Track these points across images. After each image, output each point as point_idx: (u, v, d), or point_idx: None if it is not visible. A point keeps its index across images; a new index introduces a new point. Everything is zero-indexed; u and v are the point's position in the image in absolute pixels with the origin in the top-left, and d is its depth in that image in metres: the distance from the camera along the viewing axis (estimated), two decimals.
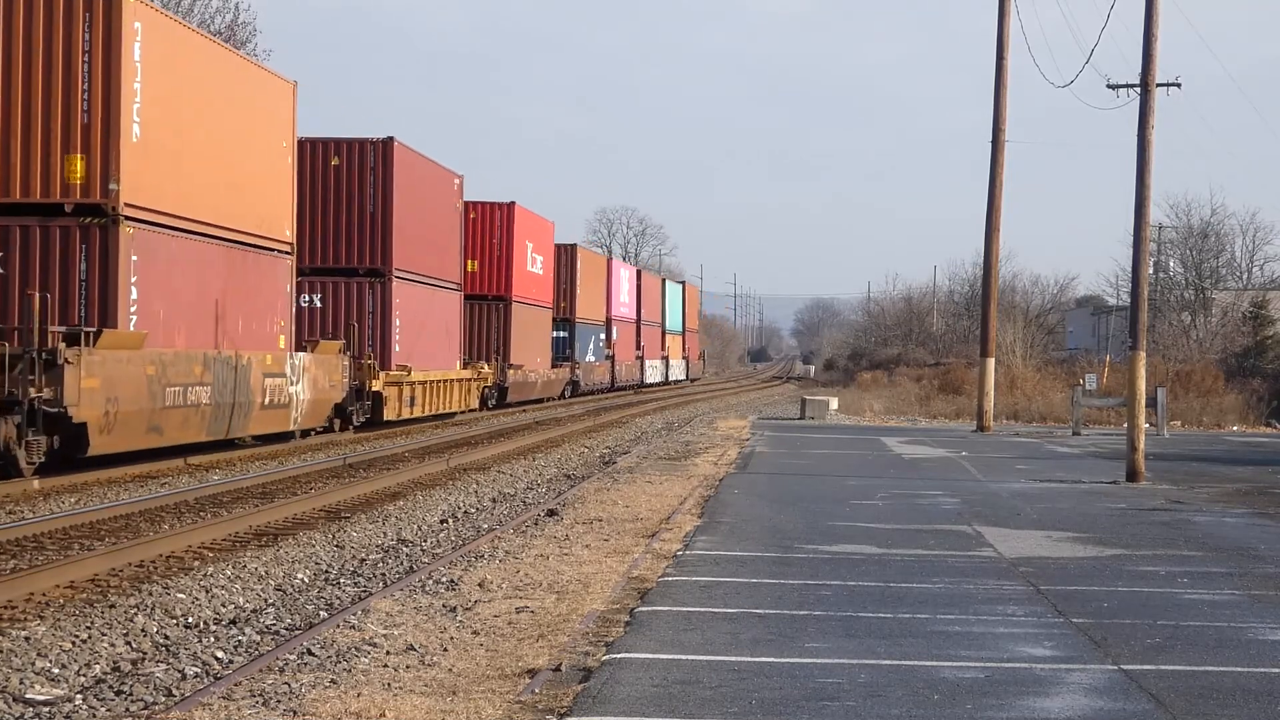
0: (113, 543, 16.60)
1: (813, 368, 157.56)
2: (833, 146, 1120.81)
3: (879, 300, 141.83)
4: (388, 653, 10.94)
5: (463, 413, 46.35)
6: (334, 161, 37.76)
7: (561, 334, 63.92)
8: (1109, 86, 34.43)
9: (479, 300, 51.23)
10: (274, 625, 12.49)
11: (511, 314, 52.29)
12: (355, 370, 35.61)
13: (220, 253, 27.90)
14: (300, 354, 31.89)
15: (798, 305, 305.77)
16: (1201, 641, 11.58)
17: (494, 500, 22.94)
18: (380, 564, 16.18)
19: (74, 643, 11.24)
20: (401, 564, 16.20)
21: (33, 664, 10.54)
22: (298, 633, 12.04)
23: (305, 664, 10.53)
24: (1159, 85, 27.72)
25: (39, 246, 23.87)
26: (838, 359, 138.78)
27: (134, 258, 24.38)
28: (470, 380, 46.38)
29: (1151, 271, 76.09)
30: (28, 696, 9.75)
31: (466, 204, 48.63)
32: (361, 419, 36.79)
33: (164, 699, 9.80)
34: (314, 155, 37.49)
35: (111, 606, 12.67)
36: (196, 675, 10.53)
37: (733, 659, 10.54)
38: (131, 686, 10.10)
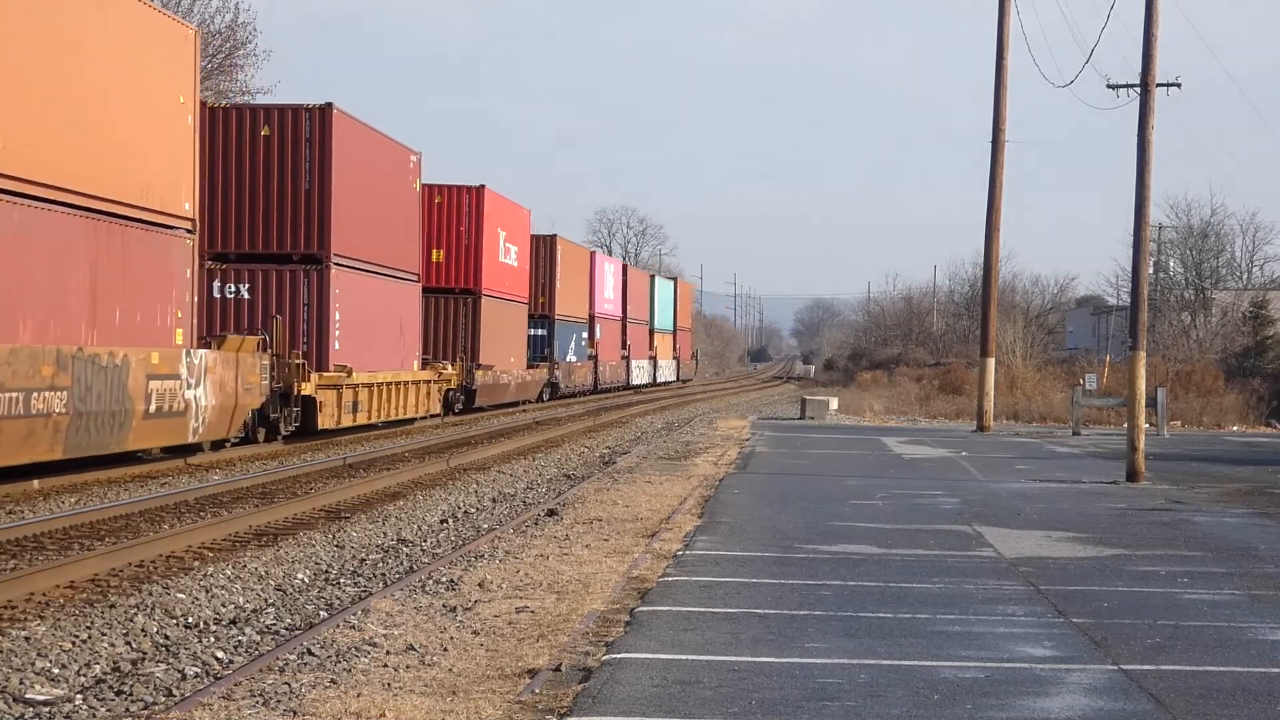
0: (113, 543, 16.60)
1: (813, 368, 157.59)
2: (833, 146, 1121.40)
3: (879, 300, 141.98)
4: (388, 653, 10.94)
5: (423, 418, 42.06)
6: (264, 131, 33.20)
7: (539, 332, 59.86)
8: (1109, 86, 34.45)
9: (445, 294, 47.13)
10: (274, 625, 12.49)
11: (481, 309, 47.91)
12: (279, 371, 30.92)
13: (85, 227, 22.79)
14: (203, 352, 26.72)
15: (798, 305, 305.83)
16: (1202, 641, 11.59)
17: (494, 500, 22.94)
18: (380, 564, 16.18)
19: (74, 643, 11.24)
20: (401, 564, 16.20)
21: (33, 664, 10.54)
22: (298, 633, 12.04)
23: (305, 664, 10.54)
24: (1159, 85, 27.73)
25: None
26: (838, 359, 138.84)
27: None
28: (430, 382, 41.78)
29: (1151, 271, 76.12)
30: (28, 696, 9.74)
31: (431, 187, 45.39)
32: (290, 428, 32.04)
33: (164, 699, 9.80)
34: (241, 125, 33.24)
35: (111, 606, 12.67)
36: (196, 675, 10.53)
37: (733, 659, 10.54)
38: (131, 686, 10.10)
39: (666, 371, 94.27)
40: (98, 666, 10.74)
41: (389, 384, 37.55)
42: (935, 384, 70.02)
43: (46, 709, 9.52)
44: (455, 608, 12.74)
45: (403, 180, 39.51)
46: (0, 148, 20.32)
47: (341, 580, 14.98)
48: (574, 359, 65.32)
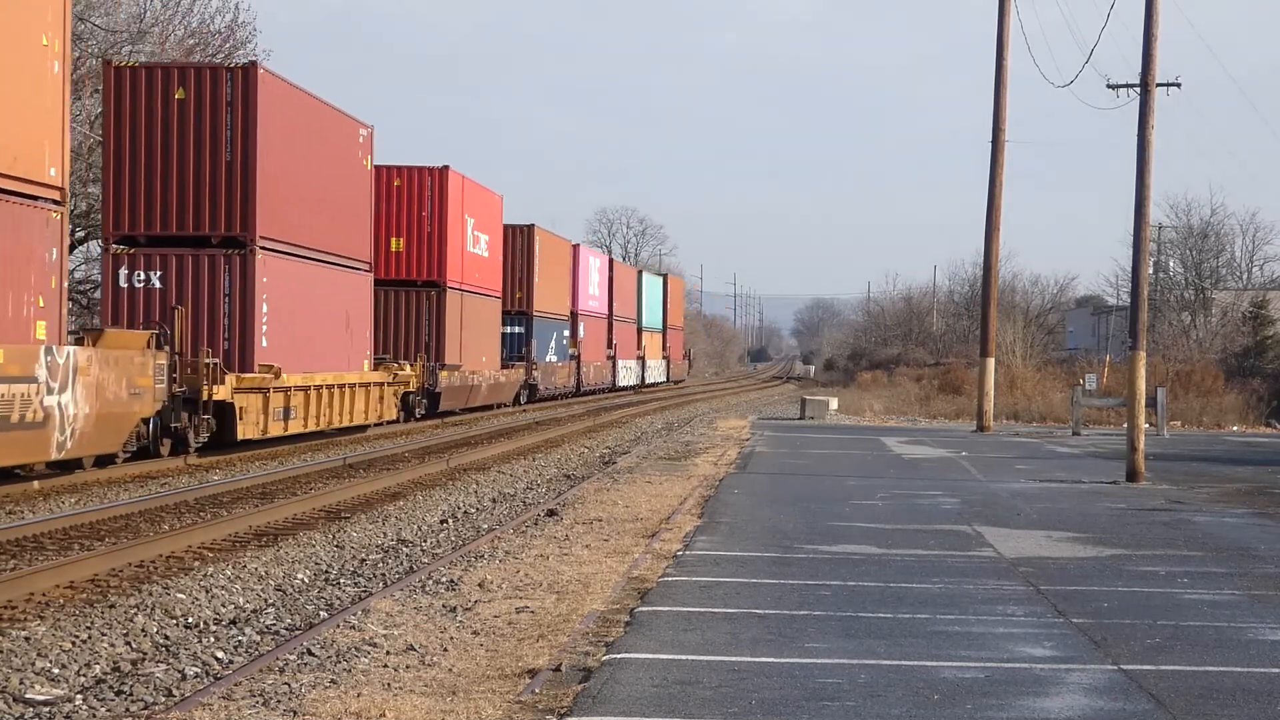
0: (113, 543, 16.61)
1: (813, 368, 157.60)
2: (833, 146, 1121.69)
3: (879, 300, 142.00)
4: (388, 653, 10.94)
5: (377, 425, 37.62)
6: (178, 94, 28.81)
7: (516, 330, 56.08)
8: (1109, 86, 34.43)
9: (405, 287, 43.21)
10: (274, 625, 12.49)
11: (446, 303, 43.76)
12: (182, 371, 26.33)
13: None
14: (71, 349, 22.02)
15: (798, 305, 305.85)
16: (1201, 641, 11.59)
17: (494, 500, 22.94)
18: (380, 564, 16.19)
19: (74, 643, 11.24)
20: (401, 564, 16.21)
21: (33, 664, 10.54)
22: (298, 633, 12.05)
23: (305, 664, 10.54)
24: (1159, 85, 27.74)
25: None
26: (838, 359, 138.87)
27: None
28: (384, 384, 37.29)
29: (1151, 271, 76.14)
30: (28, 696, 9.75)
31: (390, 169, 42.33)
32: (201, 439, 27.20)
33: (164, 699, 9.80)
34: (152, 87, 28.89)
35: (111, 606, 12.68)
36: (196, 675, 10.53)
37: (733, 659, 10.54)
38: (131, 686, 10.10)
39: (655, 372, 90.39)
40: (98, 666, 10.74)
41: (331, 387, 33.10)
42: (935, 384, 70.03)
43: (46, 709, 9.52)
44: (455, 608, 12.74)
45: (350, 156, 35.09)
46: None
47: (341, 580, 14.98)
48: (554, 359, 61.53)
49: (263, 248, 29.51)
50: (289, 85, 31.14)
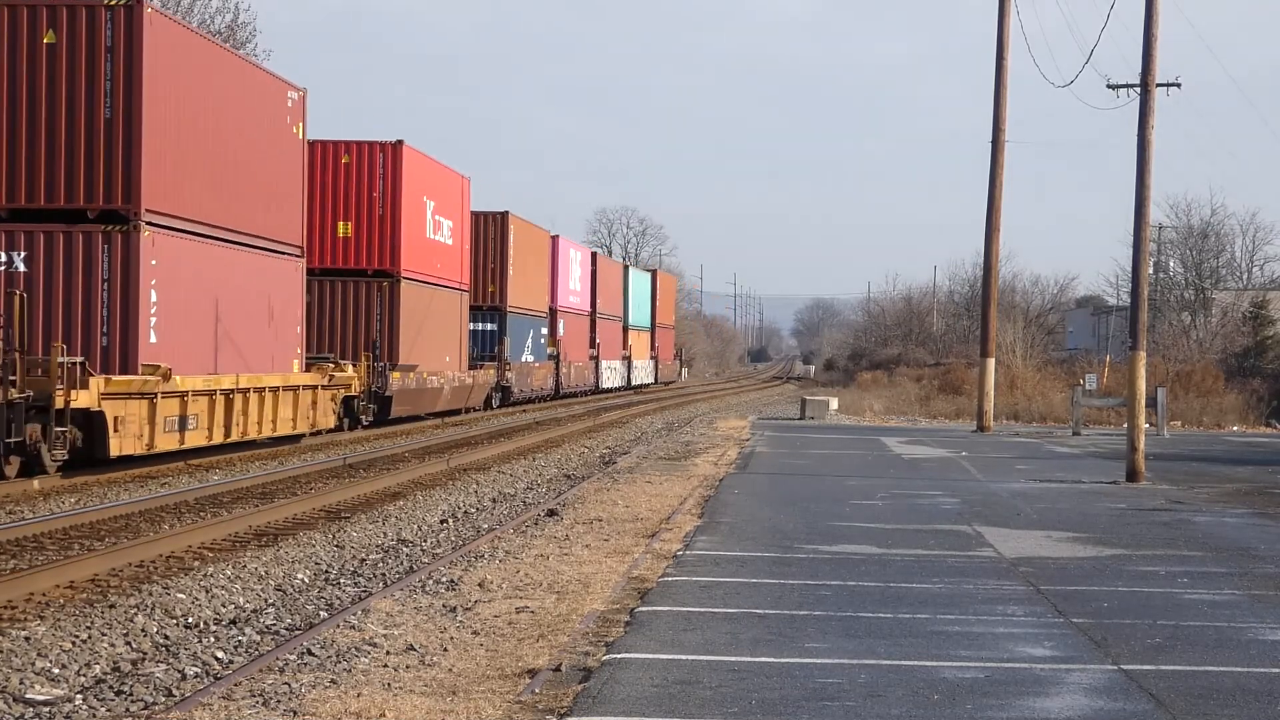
0: (113, 543, 16.61)
1: (813, 368, 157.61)
2: (833, 146, 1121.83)
3: (879, 300, 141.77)
4: (388, 653, 10.94)
5: (312, 434, 32.94)
6: (47, 38, 24.20)
7: (487, 327, 51.98)
8: (1109, 86, 34.45)
9: (354, 277, 38.75)
10: (274, 625, 12.50)
11: (400, 295, 39.03)
12: (23, 373, 21.42)
13: None
14: None
15: (798, 305, 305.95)
16: (1201, 641, 11.59)
17: (494, 500, 22.95)
18: (380, 564, 16.19)
19: (74, 643, 11.25)
20: (401, 564, 16.21)
21: (33, 664, 10.55)
22: (298, 633, 12.05)
23: (305, 664, 10.54)
24: (1159, 85, 27.75)
25: None
26: (838, 359, 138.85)
27: None
28: (317, 388, 32.27)
29: (1151, 271, 76.12)
30: (28, 696, 9.75)
31: (339, 144, 38.34)
32: (58, 456, 22.30)
33: (164, 699, 9.81)
34: (16, 30, 24.26)
35: (111, 606, 12.68)
36: (196, 675, 10.54)
37: (733, 659, 10.54)
38: (131, 686, 10.11)
39: (642, 373, 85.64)
40: (98, 666, 10.74)
41: (245, 391, 28.10)
42: (935, 384, 70.03)
43: (46, 709, 9.52)
44: (455, 608, 12.74)
45: (275, 122, 30.12)
46: None
47: (341, 580, 14.99)
48: (531, 359, 56.96)
49: (151, 224, 24.68)
50: (188, 30, 27.04)
